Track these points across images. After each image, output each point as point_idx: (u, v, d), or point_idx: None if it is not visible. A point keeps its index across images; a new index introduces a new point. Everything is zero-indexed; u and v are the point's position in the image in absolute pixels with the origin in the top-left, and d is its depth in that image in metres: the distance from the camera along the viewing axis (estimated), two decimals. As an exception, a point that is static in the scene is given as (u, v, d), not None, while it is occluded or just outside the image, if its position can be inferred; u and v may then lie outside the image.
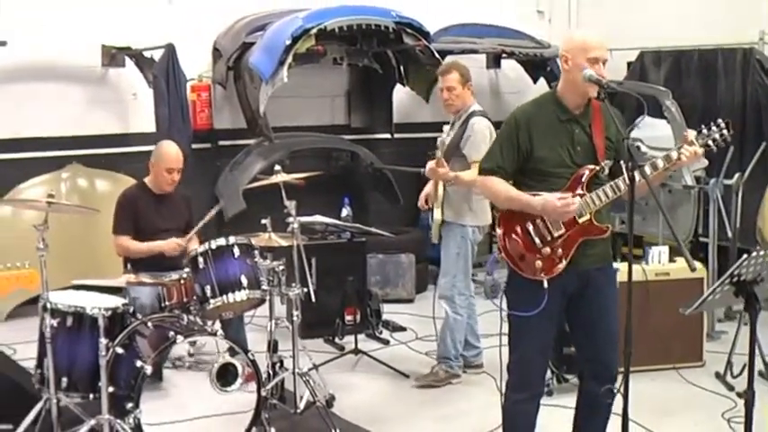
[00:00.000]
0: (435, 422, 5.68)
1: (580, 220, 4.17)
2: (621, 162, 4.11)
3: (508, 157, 4.25)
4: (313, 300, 5.85)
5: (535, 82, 10.45)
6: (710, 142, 4.14)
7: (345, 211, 8.05)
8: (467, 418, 5.66)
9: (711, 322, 7.22)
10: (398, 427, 5.61)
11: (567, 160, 4.19)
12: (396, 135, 10.11)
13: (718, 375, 6.24)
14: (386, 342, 7.37)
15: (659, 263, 6.47)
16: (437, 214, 6.18)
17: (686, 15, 9.55)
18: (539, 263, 4.20)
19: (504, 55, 10.44)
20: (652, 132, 7.67)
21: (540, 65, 10.29)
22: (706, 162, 8.26)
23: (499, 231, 4.33)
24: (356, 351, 6.80)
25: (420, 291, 8.80)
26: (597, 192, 4.15)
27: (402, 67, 9.48)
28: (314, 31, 8.24)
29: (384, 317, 7.74)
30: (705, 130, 4.14)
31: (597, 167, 4.19)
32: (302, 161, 8.60)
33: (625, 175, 4.00)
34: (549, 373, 5.88)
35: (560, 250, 4.18)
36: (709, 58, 9.07)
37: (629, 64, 9.91)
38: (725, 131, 4.12)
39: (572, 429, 4.63)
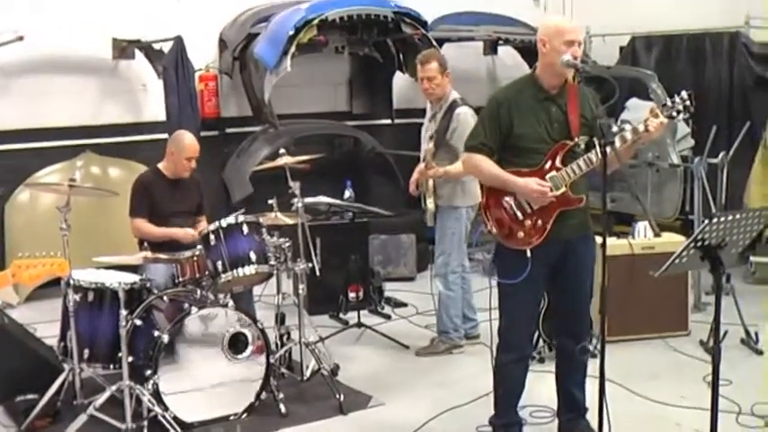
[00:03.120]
0: (433, 388, 5.93)
1: (557, 192, 4.44)
2: (594, 138, 4.38)
3: (491, 134, 4.53)
4: (318, 274, 6.16)
5: (531, 68, 10.62)
6: (674, 113, 4.37)
7: (348, 194, 8.30)
8: (462, 384, 5.88)
9: (698, 294, 7.43)
10: (399, 392, 5.85)
11: (544, 136, 4.47)
12: (396, 120, 10.33)
13: (701, 343, 6.50)
14: (387, 317, 7.62)
15: (645, 237, 6.73)
16: (430, 204, 6.38)
17: (676, 1, 9.74)
18: (521, 233, 4.49)
19: (500, 42, 10.62)
20: (638, 114, 7.88)
21: (535, 51, 10.40)
22: (692, 142, 8.55)
23: (484, 206, 4.64)
24: (359, 325, 7.01)
25: (420, 269, 8.98)
26: (572, 165, 4.42)
27: (401, 55, 9.66)
28: (316, 21, 8.46)
29: (386, 294, 7.99)
30: (669, 103, 4.39)
31: (572, 143, 4.46)
32: (306, 147, 8.62)
33: (597, 150, 4.27)
34: (540, 342, 6.20)
35: (540, 221, 4.47)
36: (697, 42, 9.34)
37: (621, 48, 10.17)
38: (687, 102, 4.36)
39: (555, 386, 4.95)
